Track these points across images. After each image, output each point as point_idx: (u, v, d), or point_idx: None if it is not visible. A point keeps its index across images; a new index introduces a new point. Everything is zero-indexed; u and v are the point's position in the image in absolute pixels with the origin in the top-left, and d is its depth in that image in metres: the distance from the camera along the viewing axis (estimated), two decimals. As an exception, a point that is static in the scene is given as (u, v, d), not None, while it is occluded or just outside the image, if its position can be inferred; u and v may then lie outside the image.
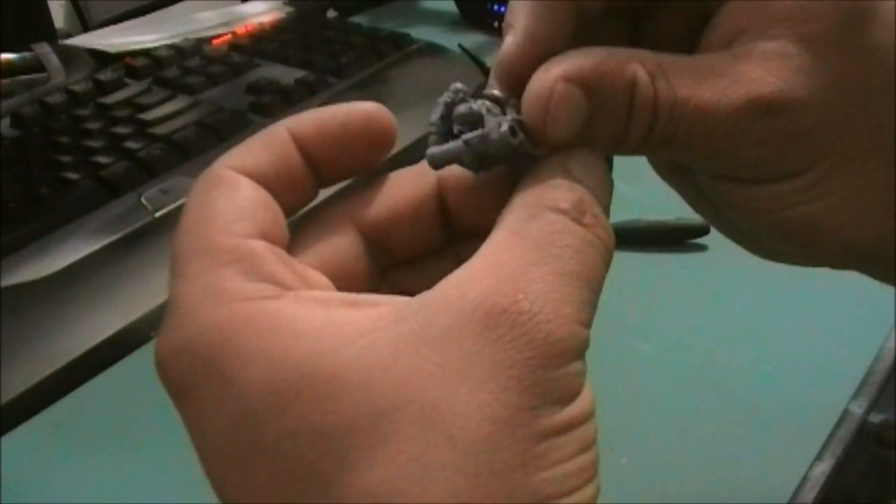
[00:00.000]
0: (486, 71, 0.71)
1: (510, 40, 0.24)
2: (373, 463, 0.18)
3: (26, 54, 0.73)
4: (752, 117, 0.23)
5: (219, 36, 0.77)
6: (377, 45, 0.72)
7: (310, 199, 0.24)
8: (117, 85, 0.67)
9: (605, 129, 0.23)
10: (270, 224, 0.22)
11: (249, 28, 0.78)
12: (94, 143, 0.59)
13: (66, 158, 0.57)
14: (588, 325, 0.20)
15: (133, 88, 0.67)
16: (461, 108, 0.24)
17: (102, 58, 0.74)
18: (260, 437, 0.19)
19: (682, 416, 0.42)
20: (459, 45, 0.76)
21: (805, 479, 0.39)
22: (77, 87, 0.66)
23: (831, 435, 0.41)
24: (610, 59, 0.23)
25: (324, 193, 0.25)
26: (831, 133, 0.24)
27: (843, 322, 0.47)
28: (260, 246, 0.21)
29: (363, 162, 0.24)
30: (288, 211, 0.23)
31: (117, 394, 0.45)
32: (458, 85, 0.24)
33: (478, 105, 0.24)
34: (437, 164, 0.24)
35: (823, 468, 0.39)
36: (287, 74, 0.68)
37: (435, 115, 0.24)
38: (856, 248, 0.26)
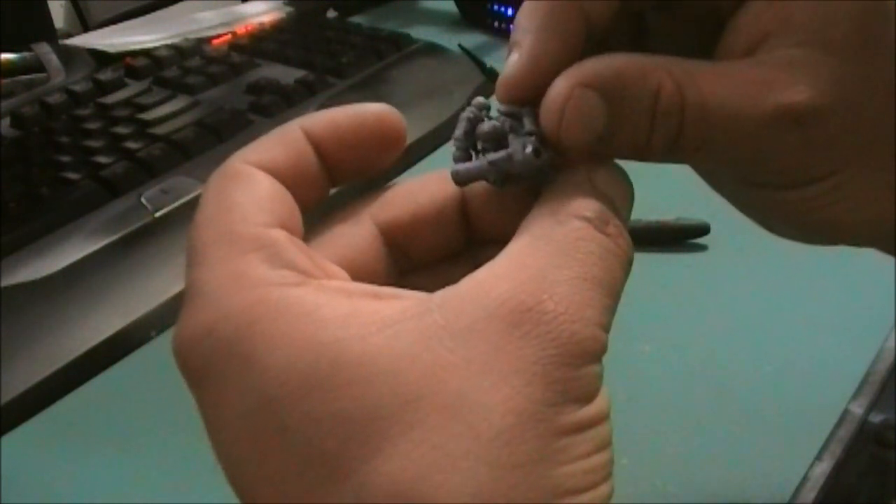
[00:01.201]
0: (486, 71, 0.71)
1: (514, 59, 0.24)
2: (396, 450, 0.18)
3: (26, 54, 0.74)
4: (782, 126, 0.23)
5: (219, 36, 0.77)
6: (377, 45, 0.72)
7: (322, 196, 0.24)
8: (117, 85, 0.67)
9: (625, 136, 0.23)
10: (288, 216, 0.22)
11: (249, 28, 0.78)
12: (94, 143, 0.59)
13: (66, 158, 0.57)
14: (607, 330, 0.21)
15: (133, 88, 0.67)
16: (485, 127, 0.24)
17: (102, 58, 0.74)
18: (281, 421, 0.19)
19: (682, 416, 0.42)
20: (459, 45, 0.76)
21: (805, 479, 0.39)
22: (77, 87, 0.66)
23: (831, 435, 0.41)
24: (632, 66, 0.23)
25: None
26: (855, 136, 0.24)
27: (843, 322, 0.47)
28: (281, 235, 0.21)
29: (374, 162, 0.25)
30: (301, 208, 0.23)
31: (117, 394, 0.44)
32: (481, 99, 0.25)
33: (501, 122, 0.24)
34: (461, 181, 0.24)
35: (823, 468, 0.39)
36: (287, 74, 0.68)
37: (458, 132, 0.24)
38: (876, 237, 0.27)
